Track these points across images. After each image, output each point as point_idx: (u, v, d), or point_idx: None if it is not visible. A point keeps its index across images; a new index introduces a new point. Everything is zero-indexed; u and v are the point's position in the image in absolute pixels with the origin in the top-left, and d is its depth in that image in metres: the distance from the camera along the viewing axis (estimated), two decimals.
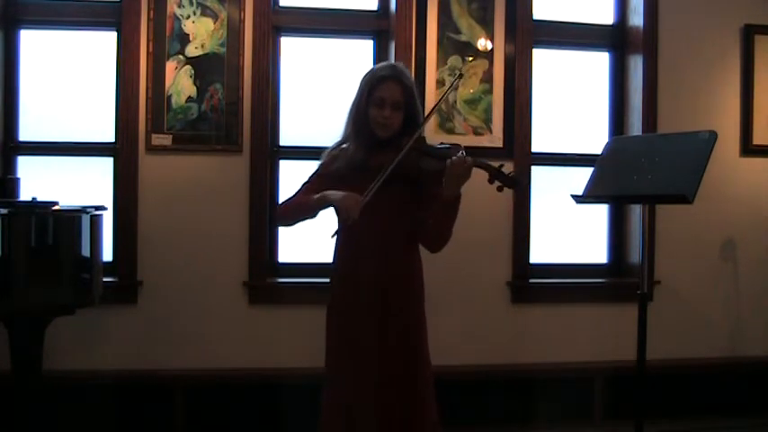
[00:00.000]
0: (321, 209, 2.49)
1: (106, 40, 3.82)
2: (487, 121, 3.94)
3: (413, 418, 2.48)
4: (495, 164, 2.43)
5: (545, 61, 4.17)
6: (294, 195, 2.61)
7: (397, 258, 2.52)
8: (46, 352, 3.03)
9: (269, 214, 3.82)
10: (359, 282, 2.51)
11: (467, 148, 2.50)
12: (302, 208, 2.53)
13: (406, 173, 2.44)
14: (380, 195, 2.40)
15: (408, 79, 2.53)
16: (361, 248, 2.51)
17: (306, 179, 2.64)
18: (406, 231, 2.53)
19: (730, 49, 4.19)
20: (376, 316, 2.48)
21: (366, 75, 2.57)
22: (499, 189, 2.43)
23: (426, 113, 2.70)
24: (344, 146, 2.57)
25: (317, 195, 2.46)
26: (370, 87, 2.49)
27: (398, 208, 2.49)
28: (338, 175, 2.51)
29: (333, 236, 2.50)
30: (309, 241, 3.90)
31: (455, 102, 3.89)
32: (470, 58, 3.92)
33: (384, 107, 2.47)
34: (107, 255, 3.46)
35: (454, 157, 2.34)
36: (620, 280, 4.16)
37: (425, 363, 2.55)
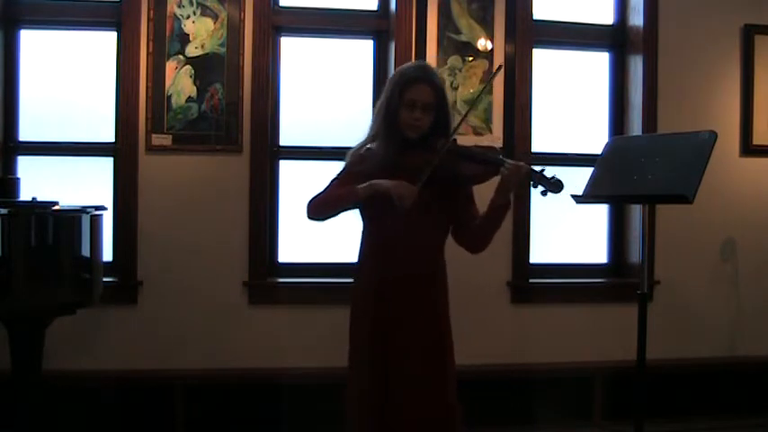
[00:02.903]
0: (366, 198, 2.43)
1: (106, 40, 3.82)
2: (487, 121, 3.93)
3: (438, 419, 2.47)
4: (538, 168, 2.43)
5: (545, 61, 4.17)
6: (325, 190, 2.55)
7: (426, 260, 2.52)
8: (46, 352, 3.03)
9: (269, 214, 3.83)
10: (386, 283, 2.48)
11: None
12: (343, 198, 2.47)
13: (440, 175, 2.42)
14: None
15: (439, 80, 2.52)
16: (389, 249, 2.49)
17: (334, 176, 2.58)
18: (435, 234, 2.54)
19: (730, 49, 4.19)
20: (403, 318, 2.47)
21: (395, 75, 2.55)
22: (543, 194, 2.42)
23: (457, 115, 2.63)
24: (370, 146, 2.53)
25: (363, 185, 2.41)
26: (401, 89, 2.47)
27: (428, 210, 2.46)
28: (367, 175, 2.45)
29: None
30: (309, 241, 3.91)
31: (455, 102, 3.88)
32: (470, 58, 3.92)
33: (415, 109, 2.45)
34: (107, 255, 3.46)
35: (510, 165, 2.36)
36: (620, 280, 4.16)
37: (451, 363, 2.54)
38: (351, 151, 2.60)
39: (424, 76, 2.49)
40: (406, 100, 2.46)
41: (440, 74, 2.57)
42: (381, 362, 2.47)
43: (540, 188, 2.41)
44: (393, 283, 2.48)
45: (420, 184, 2.37)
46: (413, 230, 2.45)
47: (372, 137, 2.55)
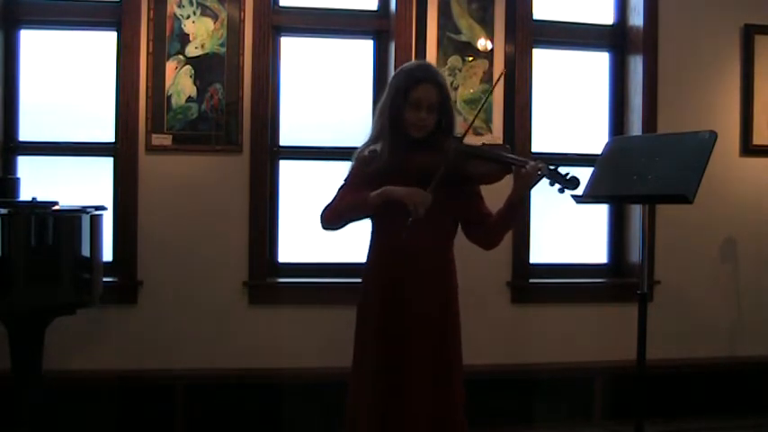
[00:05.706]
0: (381, 205, 2.42)
1: (106, 40, 3.82)
2: (487, 120, 3.94)
3: (444, 418, 2.48)
4: (552, 166, 2.45)
5: (545, 61, 4.17)
6: (336, 197, 2.54)
7: (435, 260, 2.52)
8: (46, 352, 3.03)
9: (269, 214, 3.83)
10: (395, 282, 2.48)
11: None
12: (355, 208, 2.48)
13: (450, 176, 2.42)
14: None
15: (443, 79, 2.53)
16: (398, 250, 2.47)
17: (342, 182, 2.58)
18: (444, 233, 2.54)
19: (730, 49, 4.19)
20: (412, 317, 2.46)
21: (399, 75, 2.54)
22: (560, 191, 2.43)
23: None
24: (373, 147, 2.52)
25: (376, 192, 2.41)
26: (406, 88, 2.46)
27: (438, 209, 2.44)
28: (376, 176, 2.45)
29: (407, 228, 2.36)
30: (310, 241, 3.91)
31: (455, 102, 3.88)
32: (470, 58, 3.92)
33: (420, 109, 2.46)
34: (107, 255, 3.46)
35: (530, 165, 2.38)
36: (620, 280, 4.16)
37: (458, 364, 2.54)
38: (355, 153, 2.59)
39: (429, 76, 2.49)
40: (411, 100, 2.46)
41: (442, 73, 2.56)
42: (390, 371, 2.46)
43: (557, 186, 2.42)
44: (402, 284, 2.47)
45: (432, 189, 2.36)
46: (422, 231, 2.42)
47: (375, 137, 2.54)
